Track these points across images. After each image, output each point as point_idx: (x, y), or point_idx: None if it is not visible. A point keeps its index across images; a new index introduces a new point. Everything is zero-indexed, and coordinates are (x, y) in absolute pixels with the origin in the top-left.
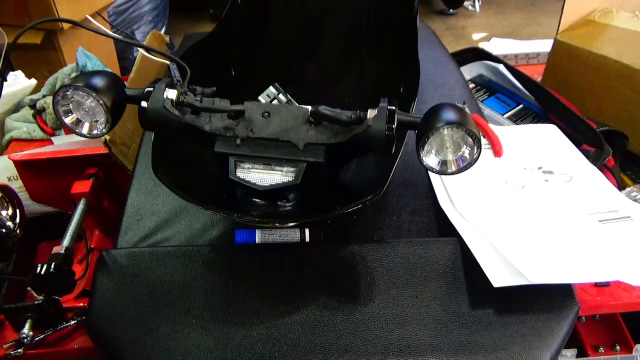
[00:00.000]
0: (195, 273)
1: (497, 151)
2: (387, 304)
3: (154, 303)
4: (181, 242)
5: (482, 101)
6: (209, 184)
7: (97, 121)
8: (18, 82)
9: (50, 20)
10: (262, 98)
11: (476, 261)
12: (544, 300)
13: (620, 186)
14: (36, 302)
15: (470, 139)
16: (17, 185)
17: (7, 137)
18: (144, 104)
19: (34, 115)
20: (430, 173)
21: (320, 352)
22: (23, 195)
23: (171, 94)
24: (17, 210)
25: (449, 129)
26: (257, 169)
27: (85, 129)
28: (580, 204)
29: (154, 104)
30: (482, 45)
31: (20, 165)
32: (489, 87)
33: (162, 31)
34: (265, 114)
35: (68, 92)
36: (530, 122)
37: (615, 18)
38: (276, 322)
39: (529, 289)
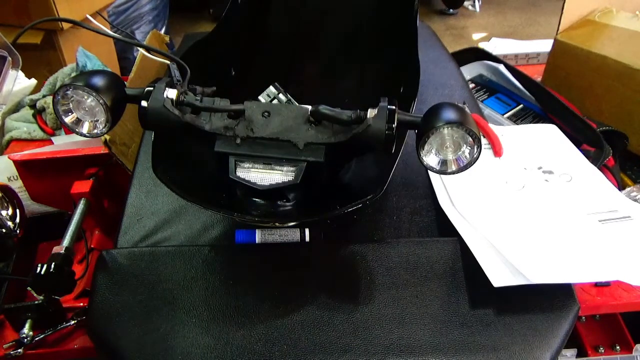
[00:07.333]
0: (195, 273)
1: (497, 151)
2: (387, 304)
3: (153, 303)
4: (181, 242)
5: (482, 101)
6: (209, 184)
7: (97, 121)
8: (18, 82)
9: (50, 20)
10: (262, 98)
11: (476, 261)
12: (544, 300)
13: (620, 186)
14: (36, 302)
15: (470, 139)
16: (17, 185)
17: (7, 137)
18: (144, 103)
19: (34, 115)
20: (430, 173)
21: (321, 352)
22: (23, 195)
23: (171, 93)
24: (17, 210)
25: (449, 128)
26: (257, 168)
27: (85, 129)
28: (580, 204)
29: (154, 104)
30: (482, 45)
31: (20, 165)
32: (489, 87)
33: (162, 31)
34: (266, 113)
35: (68, 92)
36: (530, 122)
37: (615, 18)
38: (276, 322)
39: (529, 289)
